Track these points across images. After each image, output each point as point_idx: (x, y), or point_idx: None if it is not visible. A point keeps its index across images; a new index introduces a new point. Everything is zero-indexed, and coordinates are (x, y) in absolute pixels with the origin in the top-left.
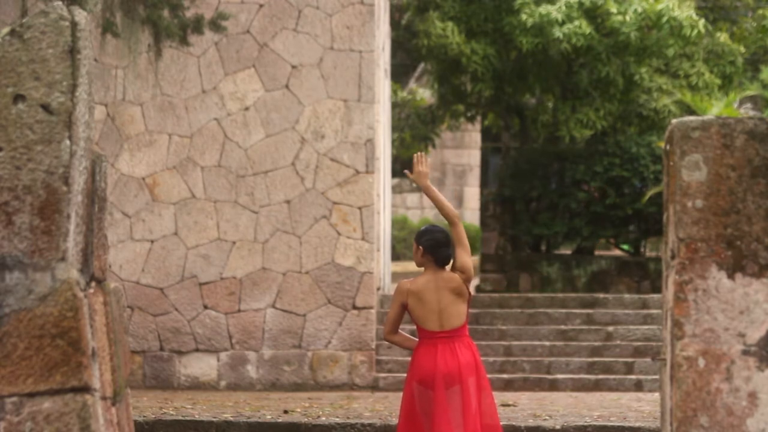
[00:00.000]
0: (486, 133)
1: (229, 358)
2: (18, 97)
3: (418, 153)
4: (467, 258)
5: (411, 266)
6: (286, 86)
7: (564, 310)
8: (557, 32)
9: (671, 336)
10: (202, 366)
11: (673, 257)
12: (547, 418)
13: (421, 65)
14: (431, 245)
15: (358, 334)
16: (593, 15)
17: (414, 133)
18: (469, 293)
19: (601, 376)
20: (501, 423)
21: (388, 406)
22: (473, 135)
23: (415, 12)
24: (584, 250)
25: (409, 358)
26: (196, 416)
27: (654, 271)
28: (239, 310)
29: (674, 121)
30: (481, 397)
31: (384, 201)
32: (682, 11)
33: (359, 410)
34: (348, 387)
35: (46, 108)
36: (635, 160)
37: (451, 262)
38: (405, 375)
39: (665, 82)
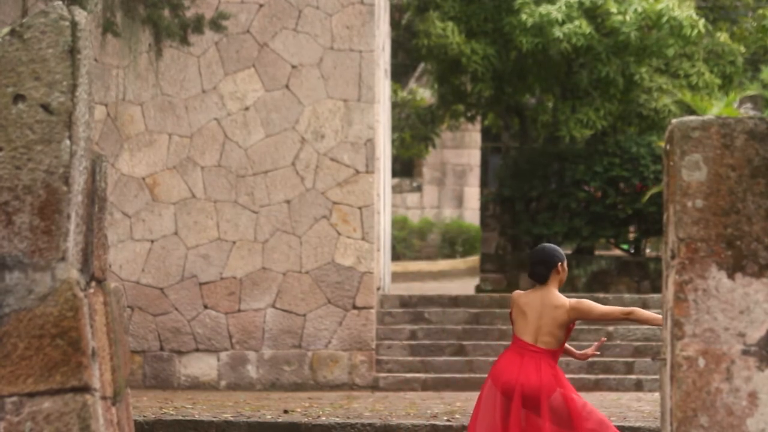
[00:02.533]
0: (486, 133)
1: (229, 358)
2: (18, 97)
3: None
4: (595, 307)
5: (411, 266)
6: (286, 86)
7: None
8: (557, 32)
9: (671, 336)
10: (202, 366)
11: (673, 257)
12: None
13: (421, 65)
14: (529, 260)
15: (358, 334)
16: (593, 15)
17: (414, 133)
18: (571, 325)
19: (601, 376)
20: None
21: (388, 406)
22: (473, 135)
23: (415, 12)
24: (584, 250)
25: (410, 358)
26: (196, 416)
27: (654, 271)
28: (239, 310)
29: (674, 121)
30: (580, 425)
31: (384, 201)
32: (682, 11)
33: (359, 410)
34: (348, 387)
35: (46, 108)
36: (635, 160)
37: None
38: (405, 375)
39: (665, 81)
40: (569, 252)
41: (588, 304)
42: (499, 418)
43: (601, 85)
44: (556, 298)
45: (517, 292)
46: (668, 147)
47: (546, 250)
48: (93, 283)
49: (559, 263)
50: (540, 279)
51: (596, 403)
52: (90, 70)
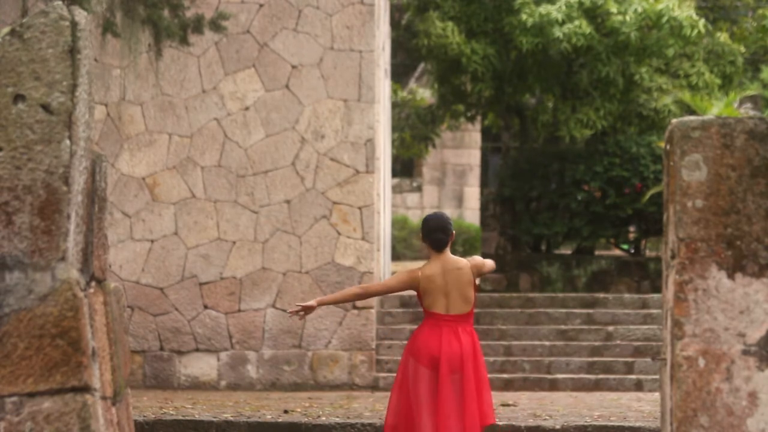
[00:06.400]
0: (486, 133)
1: (229, 358)
2: (18, 97)
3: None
4: (484, 262)
5: (411, 266)
6: (286, 86)
7: (564, 310)
8: (557, 32)
9: (671, 336)
10: (202, 366)
11: (673, 257)
12: (547, 418)
13: (421, 65)
14: (426, 231)
15: (358, 334)
16: (593, 15)
17: (414, 133)
18: (476, 284)
19: (601, 376)
20: (500, 423)
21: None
22: (473, 135)
23: (415, 12)
24: (584, 250)
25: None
26: (196, 416)
27: (654, 271)
28: (239, 310)
29: (674, 121)
30: (482, 390)
31: (384, 201)
32: (682, 11)
33: (359, 410)
34: (348, 387)
35: (46, 108)
36: (635, 160)
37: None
38: None
39: (665, 81)
40: (569, 252)
41: (479, 258)
42: (428, 390)
43: (601, 85)
44: (456, 260)
45: (415, 270)
46: (668, 147)
47: (444, 217)
48: (93, 283)
49: (452, 229)
50: (442, 245)
51: (596, 403)
52: (90, 70)
